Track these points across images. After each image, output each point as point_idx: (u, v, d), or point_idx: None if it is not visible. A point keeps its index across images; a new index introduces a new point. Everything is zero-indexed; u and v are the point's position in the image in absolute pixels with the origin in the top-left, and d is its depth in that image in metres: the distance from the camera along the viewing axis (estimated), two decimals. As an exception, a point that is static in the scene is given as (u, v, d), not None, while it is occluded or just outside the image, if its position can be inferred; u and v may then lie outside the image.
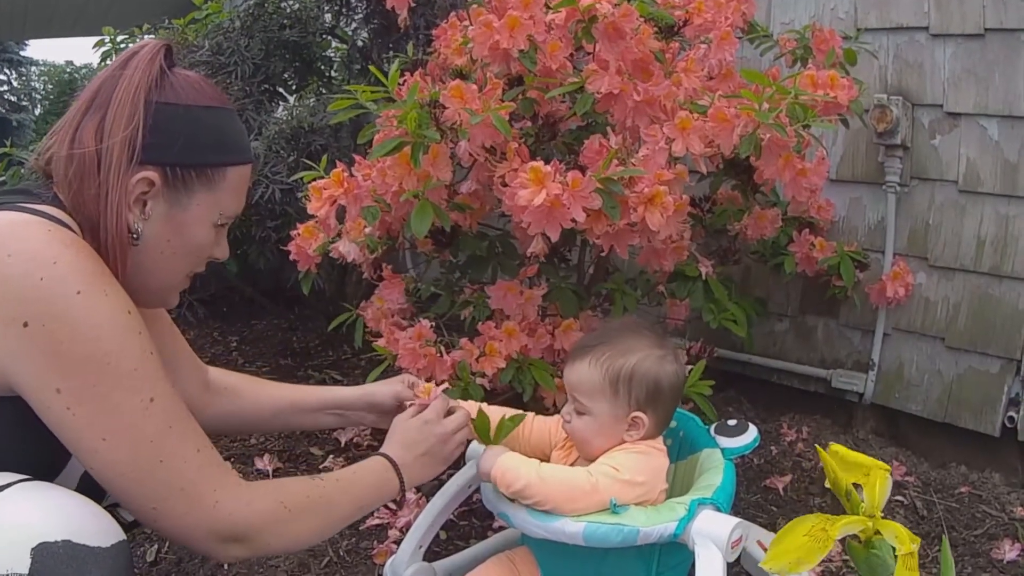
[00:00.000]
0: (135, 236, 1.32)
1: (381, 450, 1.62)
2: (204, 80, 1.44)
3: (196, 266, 1.46)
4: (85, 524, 1.14)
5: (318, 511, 1.43)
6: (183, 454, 1.25)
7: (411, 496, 2.36)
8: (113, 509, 1.61)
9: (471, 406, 1.75)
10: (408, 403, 1.74)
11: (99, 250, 1.27)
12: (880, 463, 1.05)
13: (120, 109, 1.29)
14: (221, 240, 1.48)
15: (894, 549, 0.98)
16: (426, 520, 1.81)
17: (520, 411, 1.76)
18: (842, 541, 1.02)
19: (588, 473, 1.50)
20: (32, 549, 1.07)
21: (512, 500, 1.52)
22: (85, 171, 1.28)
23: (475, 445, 1.80)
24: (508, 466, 1.51)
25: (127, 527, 1.46)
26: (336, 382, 3.44)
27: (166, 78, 1.35)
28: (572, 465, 1.67)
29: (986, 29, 2.60)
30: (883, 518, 1.02)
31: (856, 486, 1.04)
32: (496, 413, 1.74)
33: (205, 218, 1.39)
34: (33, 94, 21.36)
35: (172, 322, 1.72)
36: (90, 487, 1.28)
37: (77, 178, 1.29)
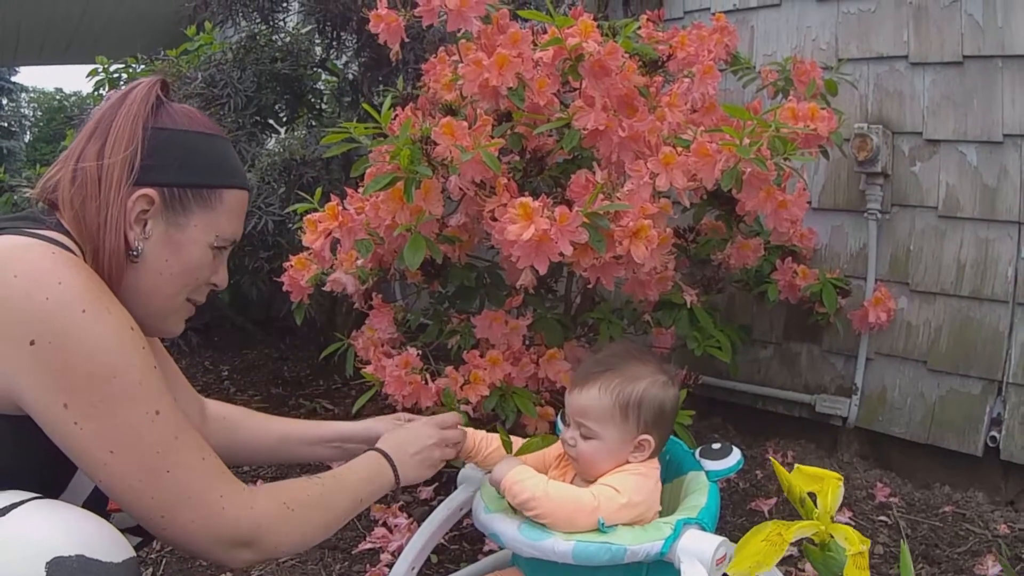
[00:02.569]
0: (135, 253, 1.35)
1: (374, 446, 1.67)
2: (198, 111, 1.49)
3: (194, 290, 1.47)
4: (97, 540, 1.17)
5: (319, 507, 1.45)
6: (189, 464, 1.27)
7: (402, 521, 2.39)
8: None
9: (476, 434, 1.80)
10: None
11: (99, 271, 1.30)
12: (833, 473, 1.12)
13: (120, 134, 1.34)
14: (220, 267, 1.50)
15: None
16: (418, 543, 1.83)
17: (553, 436, 1.80)
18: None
19: (591, 494, 1.54)
20: (47, 563, 1.10)
21: (509, 514, 1.57)
22: (87, 191, 1.32)
23: (466, 470, 1.84)
24: (518, 477, 1.55)
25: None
26: (327, 411, 3.47)
27: (163, 107, 1.40)
28: (570, 482, 1.71)
29: (964, 56, 2.67)
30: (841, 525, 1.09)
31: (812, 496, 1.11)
32: (495, 439, 1.80)
33: (202, 239, 1.41)
34: (23, 121, 21.29)
35: (167, 353, 1.73)
36: (95, 506, 1.31)
37: (79, 197, 1.33)
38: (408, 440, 1.69)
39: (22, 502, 1.16)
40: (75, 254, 1.29)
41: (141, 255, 1.36)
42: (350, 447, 1.85)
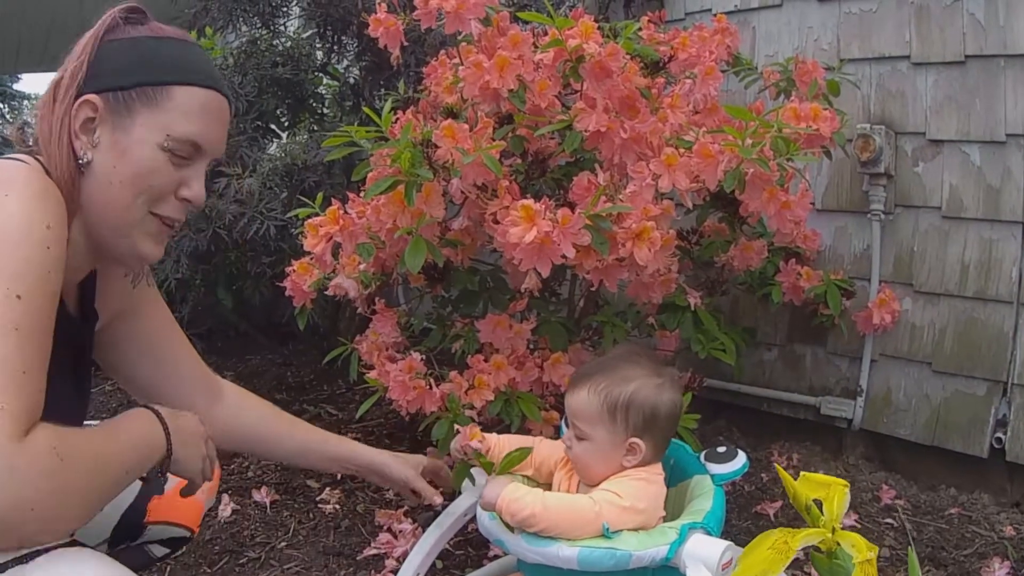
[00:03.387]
0: (82, 162, 1.31)
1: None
2: (171, 27, 1.44)
3: (157, 202, 1.37)
4: None
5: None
6: (10, 359, 1.12)
7: (407, 526, 2.38)
8: (144, 546, 1.62)
9: (491, 439, 1.78)
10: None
11: (60, 189, 1.27)
12: (839, 480, 1.11)
13: (75, 53, 1.34)
14: (192, 181, 1.40)
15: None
16: (422, 549, 1.83)
17: (528, 447, 1.78)
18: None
19: (591, 500, 1.53)
20: None
21: (512, 529, 1.55)
22: (43, 110, 1.33)
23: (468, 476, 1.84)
24: (513, 496, 1.53)
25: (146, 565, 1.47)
26: (331, 416, 3.46)
27: (123, 24, 1.38)
28: (575, 486, 1.70)
29: (966, 56, 2.66)
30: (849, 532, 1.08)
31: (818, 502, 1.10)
32: (508, 443, 1.78)
33: (149, 139, 1.33)
34: (25, 128, 21.33)
35: (179, 330, 1.72)
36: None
37: (37, 118, 1.33)
38: (188, 423, 1.46)
39: (46, 549, 1.13)
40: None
41: (90, 165, 1.32)
42: (361, 471, 1.85)
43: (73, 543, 1.17)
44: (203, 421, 1.49)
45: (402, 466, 1.87)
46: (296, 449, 1.84)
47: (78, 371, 1.46)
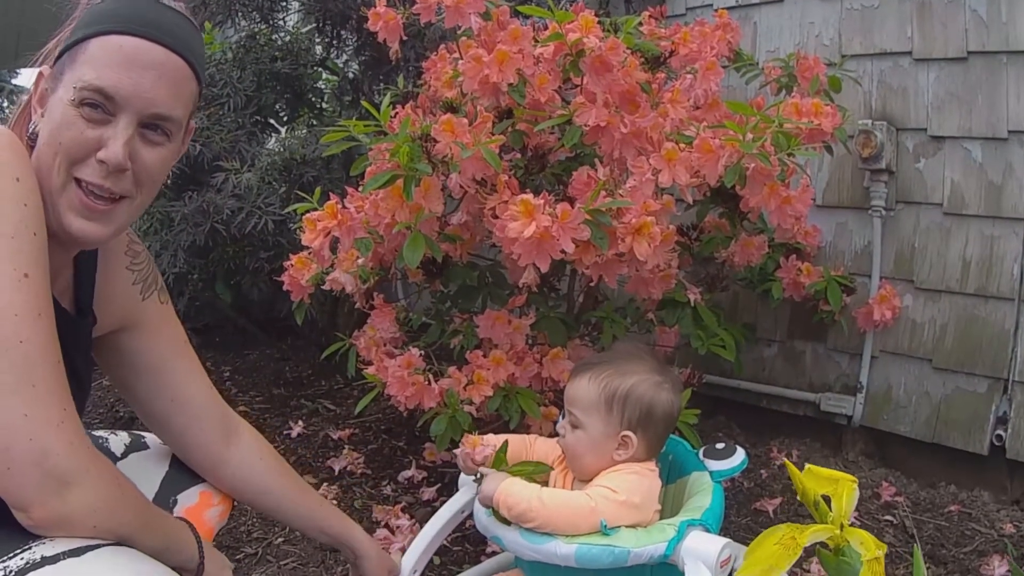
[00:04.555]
0: (30, 135, 1.27)
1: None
2: None
3: (70, 162, 1.25)
4: None
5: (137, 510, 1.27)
6: (44, 347, 1.14)
7: (405, 522, 2.38)
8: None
9: (499, 439, 1.76)
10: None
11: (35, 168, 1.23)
12: (847, 475, 1.10)
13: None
14: (109, 139, 1.24)
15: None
16: (420, 545, 1.82)
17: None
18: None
19: (587, 496, 1.53)
20: None
21: (509, 524, 1.55)
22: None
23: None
24: (510, 491, 1.54)
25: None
26: (329, 411, 3.45)
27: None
28: (569, 483, 1.71)
29: (969, 52, 2.65)
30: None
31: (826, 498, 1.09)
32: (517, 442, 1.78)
33: (63, 96, 1.24)
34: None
35: (196, 359, 1.62)
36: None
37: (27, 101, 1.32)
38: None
39: (97, 546, 1.14)
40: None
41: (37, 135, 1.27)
42: (344, 550, 1.78)
43: (119, 543, 1.19)
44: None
45: (380, 562, 1.78)
46: (303, 514, 1.73)
47: (76, 365, 1.43)
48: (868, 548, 1.03)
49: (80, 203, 1.26)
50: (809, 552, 1.15)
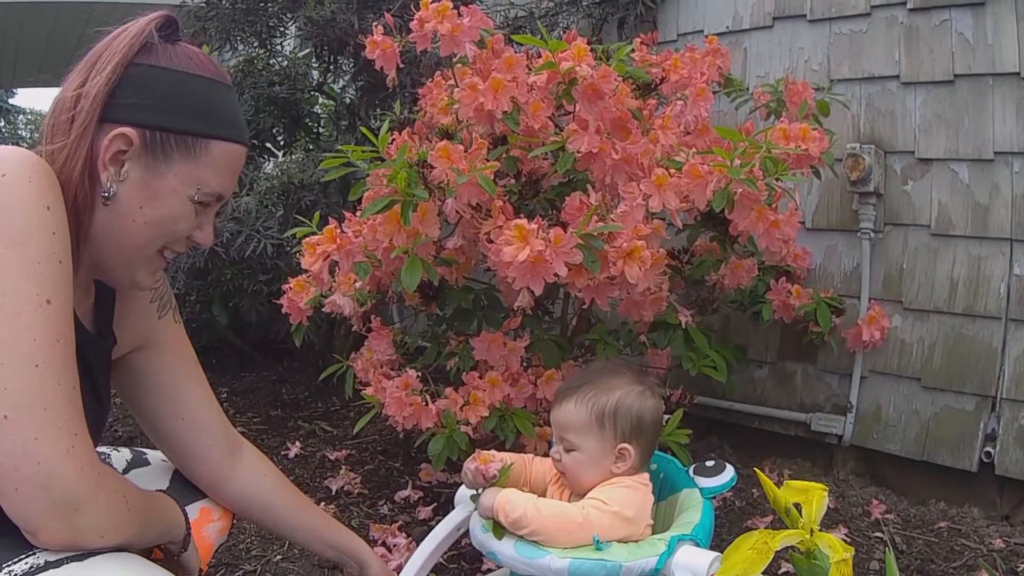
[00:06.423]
0: (107, 195, 1.27)
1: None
2: (206, 56, 1.37)
3: (170, 243, 1.36)
4: None
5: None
6: (59, 373, 1.15)
7: (401, 540, 2.40)
8: None
9: (508, 456, 1.79)
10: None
11: (68, 208, 1.22)
12: (818, 485, 1.16)
13: (102, 67, 1.26)
14: (205, 224, 1.39)
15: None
16: (416, 563, 1.83)
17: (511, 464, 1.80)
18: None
19: (580, 507, 1.57)
20: None
21: (505, 534, 1.58)
22: (58, 120, 1.26)
23: (461, 490, 1.86)
24: (508, 498, 1.58)
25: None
26: (326, 432, 3.48)
27: (157, 44, 1.31)
28: (567, 498, 1.73)
29: (955, 75, 2.70)
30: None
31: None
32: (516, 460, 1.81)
33: (181, 190, 1.31)
34: (21, 143, 21.23)
35: (203, 376, 1.66)
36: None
37: (51, 127, 1.27)
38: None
39: (99, 551, 1.17)
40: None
41: (114, 197, 1.28)
42: (348, 563, 1.81)
43: (121, 549, 1.21)
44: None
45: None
46: (306, 528, 1.77)
47: (97, 384, 1.45)
48: (836, 551, 1.09)
49: (160, 266, 1.40)
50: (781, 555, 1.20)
